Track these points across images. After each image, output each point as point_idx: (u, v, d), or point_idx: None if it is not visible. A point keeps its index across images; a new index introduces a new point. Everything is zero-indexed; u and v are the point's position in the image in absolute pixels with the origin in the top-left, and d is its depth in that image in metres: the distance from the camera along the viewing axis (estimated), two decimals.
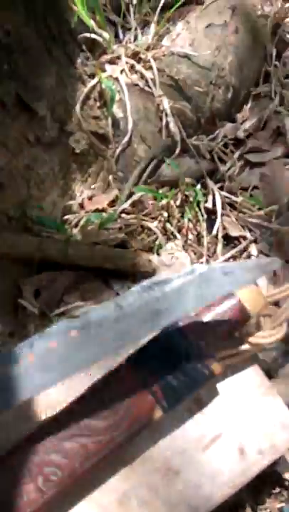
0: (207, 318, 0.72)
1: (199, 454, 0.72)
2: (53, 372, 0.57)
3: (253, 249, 0.98)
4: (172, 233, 1.00)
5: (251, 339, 0.77)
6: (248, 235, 1.00)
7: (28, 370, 0.57)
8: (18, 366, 0.57)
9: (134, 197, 0.96)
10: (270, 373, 0.88)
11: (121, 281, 0.95)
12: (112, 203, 0.97)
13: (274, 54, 1.21)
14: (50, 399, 0.74)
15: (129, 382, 0.69)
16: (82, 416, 0.68)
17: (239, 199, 1.00)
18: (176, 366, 0.69)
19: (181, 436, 0.73)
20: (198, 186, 1.01)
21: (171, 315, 0.62)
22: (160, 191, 0.99)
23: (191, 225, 1.01)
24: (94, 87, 0.98)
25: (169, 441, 0.72)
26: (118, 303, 0.63)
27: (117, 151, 0.98)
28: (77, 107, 0.94)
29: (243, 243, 0.99)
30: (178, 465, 0.72)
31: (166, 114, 1.03)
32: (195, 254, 1.00)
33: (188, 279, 0.62)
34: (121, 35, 1.26)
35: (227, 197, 1.01)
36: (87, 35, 1.12)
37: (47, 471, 0.66)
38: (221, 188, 1.03)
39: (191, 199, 1.01)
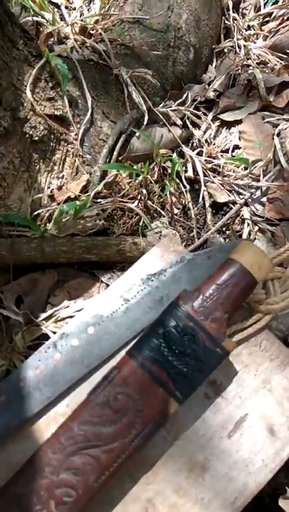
0: (209, 292, 0.64)
1: (225, 442, 0.64)
2: (79, 365, 0.66)
3: (245, 212, 0.91)
4: (156, 211, 0.92)
5: (262, 307, 0.69)
6: (237, 198, 0.92)
7: (58, 366, 0.65)
8: (48, 366, 0.65)
9: (108, 178, 0.88)
10: (286, 341, 0.80)
11: (108, 271, 0.87)
12: (85, 189, 0.88)
13: (230, 6, 1.13)
14: (50, 413, 0.66)
15: (133, 377, 0.61)
16: (88, 424, 0.60)
17: (221, 162, 0.92)
18: (185, 351, 0.61)
19: (201, 426, 0.65)
20: (175, 155, 0.93)
21: (171, 298, 0.67)
22: (134, 167, 0.90)
23: (174, 199, 0.93)
24: (43, 67, 0.89)
25: (189, 435, 0.65)
26: (124, 297, 0.69)
27: (80, 132, 0.89)
28: (28, 91, 0.85)
29: (234, 208, 0.91)
30: (203, 459, 0.64)
31: (127, 85, 0.94)
32: (184, 229, 0.92)
33: (179, 268, 0.71)
34: (67, 16, 1.18)
35: (208, 161, 0.93)
36: (29, 18, 1.04)
37: (59, 493, 0.58)
38: (200, 154, 0.95)
39: (169, 171, 0.93)
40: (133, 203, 0.91)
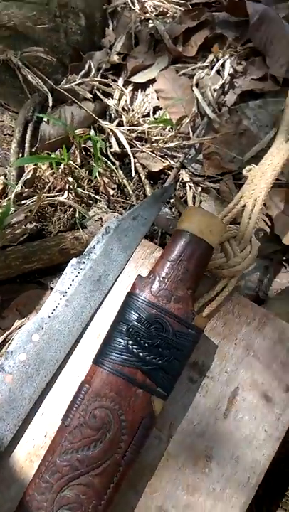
0: (165, 272, 0.58)
1: (223, 423, 0.59)
2: (36, 378, 0.60)
3: (184, 175, 0.84)
4: (89, 197, 0.84)
5: (224, 271, 0.63)
6: (172, 163, 0.85)
7: (13, 389, 0.59)
8: (2, 392, 0.59)
9: (26, 175, 0.78)
10: (259, 298, 0.76)
11: (56, 275, 0.79)
12: (3, 193, 0.78)
13: None
14: (29, 448, 0.59)
15: (107, 386, 0.54)
16: (70, 452, 0.53)
17: (145, 127, 0.84)
18: (155, 342, 0.55)
19: (194, 414, 0.60)
20: (93, 132, 0.84)
21: (110, 275, 0.66)
22: (52, 156, 0.81)
23: (106, 180, 0.85)
24: None
25: (184, 426, 0.59)
26: (60, 290, 0.63)
27: None
28: None
29: (171, 174, 0.84)
30: (205, 448, 0.59)
31: (19, 68, 0.84)
32: (124, 208, 0.84)
33: (107, 239, 0.67)
34: None
35: (131, 130, 0.85)
36: None
37: None
38: (120, 125, 0.87)
39: (92, 151, 0.84)
40: (62, 195, 0.82)
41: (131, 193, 0.85)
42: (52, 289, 0.79)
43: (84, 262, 0.65)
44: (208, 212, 0.60)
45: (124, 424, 0.53)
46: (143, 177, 0.86)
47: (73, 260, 0.65)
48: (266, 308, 0.65)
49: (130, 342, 0.55)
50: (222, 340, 0.62)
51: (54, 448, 0.53)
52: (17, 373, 0.60)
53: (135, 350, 0.55)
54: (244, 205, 0.65)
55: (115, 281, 0.65)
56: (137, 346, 0.55)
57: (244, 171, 0.68)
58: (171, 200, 0.85)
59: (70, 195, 0.83)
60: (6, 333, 0.74)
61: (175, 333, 0.56)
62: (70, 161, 0.81)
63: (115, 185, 0.87)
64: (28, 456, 0.59)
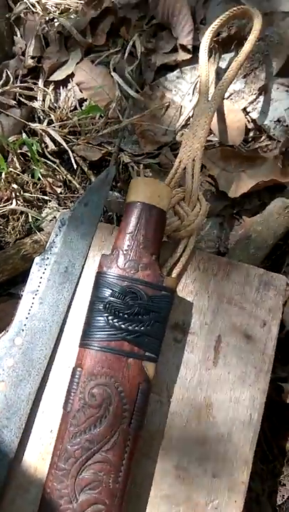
0: (126, 244, 0.60)
1: (214, 371, 0.62)
2: (29, 378, 0.61)
3: (124, 157, 0.86)
4: (38, 199, 0.85)
5: (182, 232, 0.66)
6: (110, 148, 0.87)
7: (8, 394, 0.60)
8: None
9: None
10: (221, 253, 0.80)
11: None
12: None
13: None
14: (39, 447, 0.59)
15: (98, 365, 0.56)
16: (79, 436, 0.54)
17: (74, 120, 0.86)
18: (133, 311, 0.57)
19: (186, 371, 0.62)
20: (25, 136, 0.85)
21: (76, 263, 0.67)
22: None
23: (50, 180, 0.86)
24: None
25: (180, 384, 0.62)
26: (31, 290, 0.65)
27: None
28: None
29: (112, 159, 0.86)
30: (204, 399, 0.61)
31: None
32: (73, 202, 0.86)
33: (65, 231, 0.68)
34: None
35: (63, 126, 0.87)
36: None
37: None
38: (51, 123, 0.88)
39: (29, 154, 0.85)
40: (11, 203, 0.83)
41: (78, 186, 0.86)
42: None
43: (48, 258, 0.66)
44: (150, 179, 0.63)
45: (123, 394, 0.55)
46: (85, 169, 0.87)
47: (37, 258, 0.66)
48: (229, 258, 0.68)
49: (110, 317, 0.57)
50: (195, 297, 0.65)
51: (62, 436, 0.54)
52: (8, 379, 0.60)
53: (117, 324, 0.57)
54: (184, 168, 0.68)
55: (82, 268, 0.67)
56: (118, 319, 0.57)
57: (177, 137, 0.71)
58: (118, 184, 0.87)
59: (18, 202, 0.83)
60: None
61: (150, 298, 0.58)
62: (11, 169, 0.82)
63: (61, 183, 0.88)
64: (40, 455, 0.59)
